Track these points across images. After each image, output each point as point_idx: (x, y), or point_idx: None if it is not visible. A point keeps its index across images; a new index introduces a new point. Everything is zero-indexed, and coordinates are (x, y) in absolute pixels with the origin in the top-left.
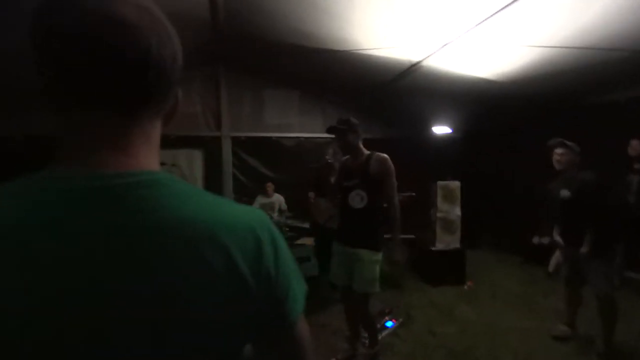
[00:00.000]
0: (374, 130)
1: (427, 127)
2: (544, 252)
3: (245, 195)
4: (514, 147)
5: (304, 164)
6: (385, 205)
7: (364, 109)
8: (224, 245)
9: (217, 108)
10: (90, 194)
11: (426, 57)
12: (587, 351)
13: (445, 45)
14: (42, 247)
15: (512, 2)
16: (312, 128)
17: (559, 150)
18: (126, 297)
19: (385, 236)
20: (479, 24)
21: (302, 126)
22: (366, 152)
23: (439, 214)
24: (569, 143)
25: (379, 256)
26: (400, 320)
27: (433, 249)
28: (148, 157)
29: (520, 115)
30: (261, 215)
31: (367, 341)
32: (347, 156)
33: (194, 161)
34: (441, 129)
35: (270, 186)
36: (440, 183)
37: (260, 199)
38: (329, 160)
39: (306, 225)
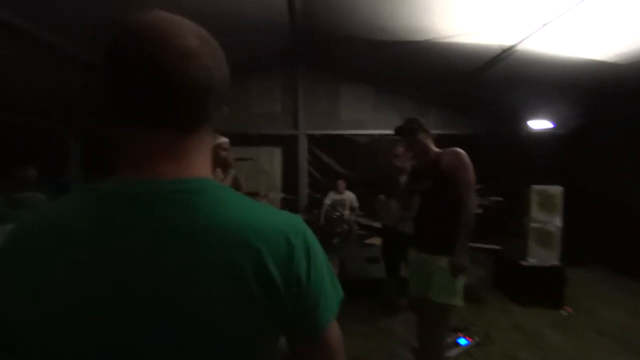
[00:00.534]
0: (457, 125)
1: (521, 121)
2: None
3: (318, 191)
4: (631, 146)
5: (378, 162)
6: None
7: (445, 103)
8: (255, 248)
9: (295, 107)
10: (147, 198)
11: (521, 41)
12: None
13: (545, 24)
14: (102, 241)
15: None
16: (387, 125)
17: None
18: (157, 291)
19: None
20: None
21: (376, 123)
22: (437, 150)
23: (533, 224)
24: None
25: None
26: (477, 339)
27: (523, 263)
28: (200, 164)
29: None
30: (297, 221)
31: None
32: (417, 157)
33: (273, 158)
34: (539, 124)
35: (341, 183)
36: (536, 188)
37: (332, 195)
38: (397, 161)
39: (377, 224)
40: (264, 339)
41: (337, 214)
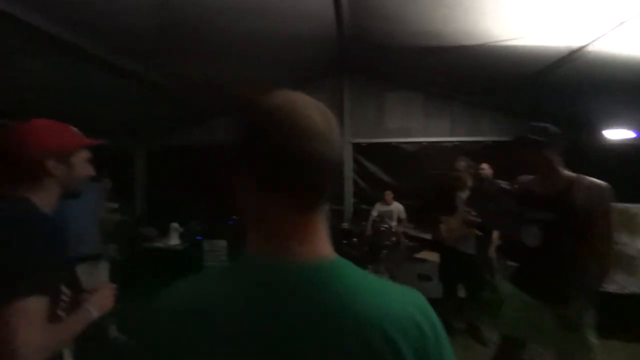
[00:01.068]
0: (516, 134)
1: (595, 130)
2: None
3: (364, 201)
4: None
5: (427, 172)
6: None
7: (503, 109)
8: (393, 339)
9: (341, 116)
10: (279, 282)
11: (592, 41)
12: None
13: (622, 23)
14: (238, 321)
15: None
16: (439, 132)
17: None
18: None
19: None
20: None
21: (426, 130)
22: (569, 174)
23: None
24: None
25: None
26: None
27: (601, 290)
28: (324, 242)
29: None
30: (423, 303)
31: None
32: (533, 176)
33: None
34: (618, 134)
35: (389, 194)
36: (616, 206)
37: (379, 207)
38: (459, 173)
39: (427, 236)
40: None
41: (386, 226)
